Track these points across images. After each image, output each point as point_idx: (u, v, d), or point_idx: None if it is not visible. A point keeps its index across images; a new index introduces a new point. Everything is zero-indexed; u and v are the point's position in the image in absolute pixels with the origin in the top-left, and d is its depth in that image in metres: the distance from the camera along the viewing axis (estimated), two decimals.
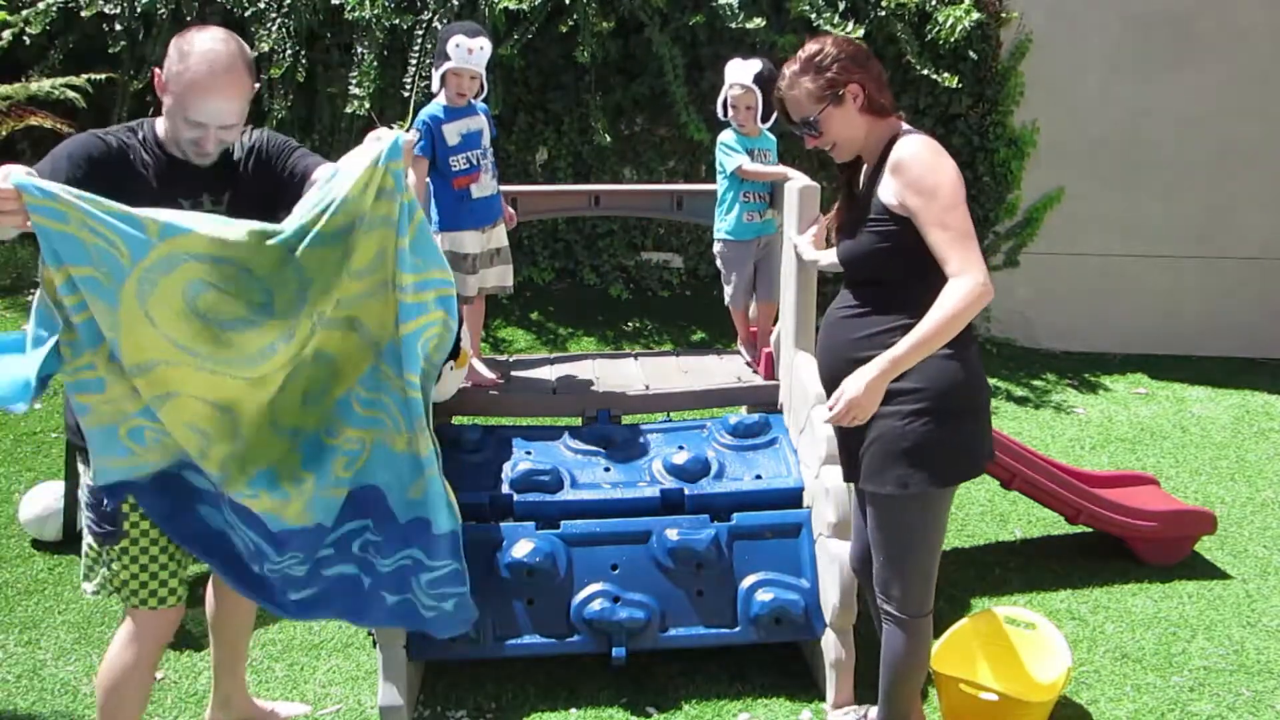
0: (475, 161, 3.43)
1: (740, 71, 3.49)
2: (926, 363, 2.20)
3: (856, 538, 2.62)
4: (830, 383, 2.35)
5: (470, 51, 3.29)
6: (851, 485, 2.54)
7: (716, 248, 3.68)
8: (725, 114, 3.58)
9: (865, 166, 2.37)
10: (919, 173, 2.18)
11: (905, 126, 2.31)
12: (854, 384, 2.18)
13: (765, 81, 3.45)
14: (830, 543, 2.80)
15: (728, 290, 3.69)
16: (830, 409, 2.23)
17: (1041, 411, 5.33)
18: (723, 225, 3.62)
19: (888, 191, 2.23)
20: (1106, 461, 4.70)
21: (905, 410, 2.24)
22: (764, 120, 3.53)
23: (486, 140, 3.47)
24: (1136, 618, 3.38)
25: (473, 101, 3.45)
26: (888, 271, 2.28)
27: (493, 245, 3.55)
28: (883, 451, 2.27)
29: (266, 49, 5.73)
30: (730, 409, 3.66)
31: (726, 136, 3.56)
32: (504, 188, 3.80)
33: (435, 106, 3.42)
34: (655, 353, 4.19)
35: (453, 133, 3.40)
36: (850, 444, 2.38)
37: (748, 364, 3.69)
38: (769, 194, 3.60)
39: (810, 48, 2.29)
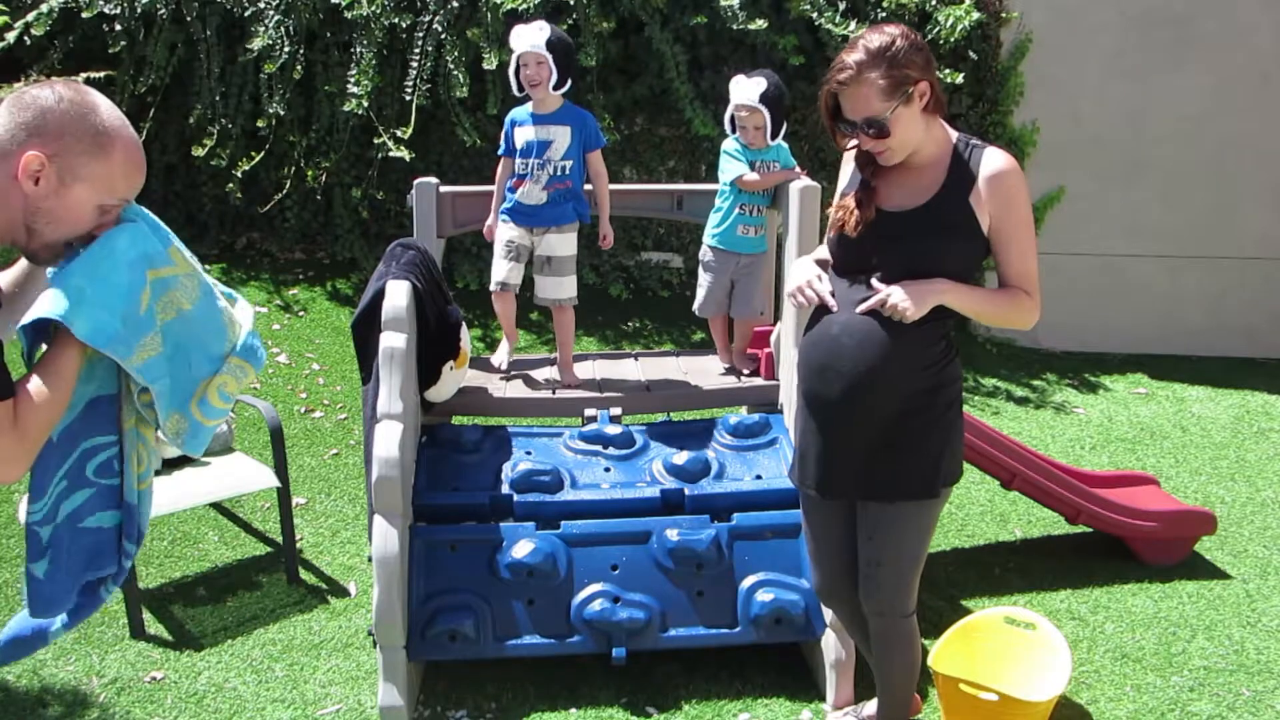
0: (528, 169, 3.48)
1: (745, 90, 3.40)
2: (949, 366, 2.23)
3: (827, 559, 2.50)
4: (826, 373, 2.24)
5: (522, 35, 3.39)
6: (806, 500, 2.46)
7: (701, 251, 3.65)
8: (732, 130, 3.52)
9: (919, 162, 2.21)
10: (1018, 193, 2.16)
11: (955, 132, 2.24)
12: (917, 289, 2.12)
13: (772, 100, 3.39)
14: None
15: (700, 295, 3.64)
16: (877, 293, 2.14)
17: (1041, 411, 5.33)
18: (714, 232, 3.57)
19: (984, 199, 2.15)
20: (1106, 461, 4.70)
21: (935, 412, 2.23)
22: (773, 137, 3.46)
23: (556, 154, 3.47)
24: (1136, 618, 3.38)
25: (574, 109, 3.53)
26: (948, 278, 2.16)
27: (541, 253, 3.57)
28: (914, 457, 2.25)
29: (264, 45, 5.74)
30: (730, 409, 3.66)
31: (729, 144, 3.51)
32: None
33: (522, 108, 3.54)
34: (655, 353, 4.18)
35: (521, 138, 3.50)
36: (854, 459, 2.29)
37: (741, 368, 3.66)
38: (766, 208, 3.56)
39: (876, 39, 2.07)
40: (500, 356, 3.71)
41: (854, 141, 2.23)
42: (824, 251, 2.45)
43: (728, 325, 3.74)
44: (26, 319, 1.64)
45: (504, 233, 3.56)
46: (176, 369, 1.79)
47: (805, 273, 2.26)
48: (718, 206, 3.58)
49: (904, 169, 2.24)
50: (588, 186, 3.62)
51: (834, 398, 2.24)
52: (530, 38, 3.38)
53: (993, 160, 2.17)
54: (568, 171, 3.48)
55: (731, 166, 3.48)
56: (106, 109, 1.66)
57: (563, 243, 3.55)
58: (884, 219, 2.21)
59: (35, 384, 1.63)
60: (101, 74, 5.88)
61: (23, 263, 1.80)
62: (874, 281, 2.16)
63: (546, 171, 3.47)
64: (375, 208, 6.20)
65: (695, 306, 3.67)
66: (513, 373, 3.70)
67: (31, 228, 1.64)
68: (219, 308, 1.86)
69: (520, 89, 3.48)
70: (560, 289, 3.60)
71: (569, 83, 3.48)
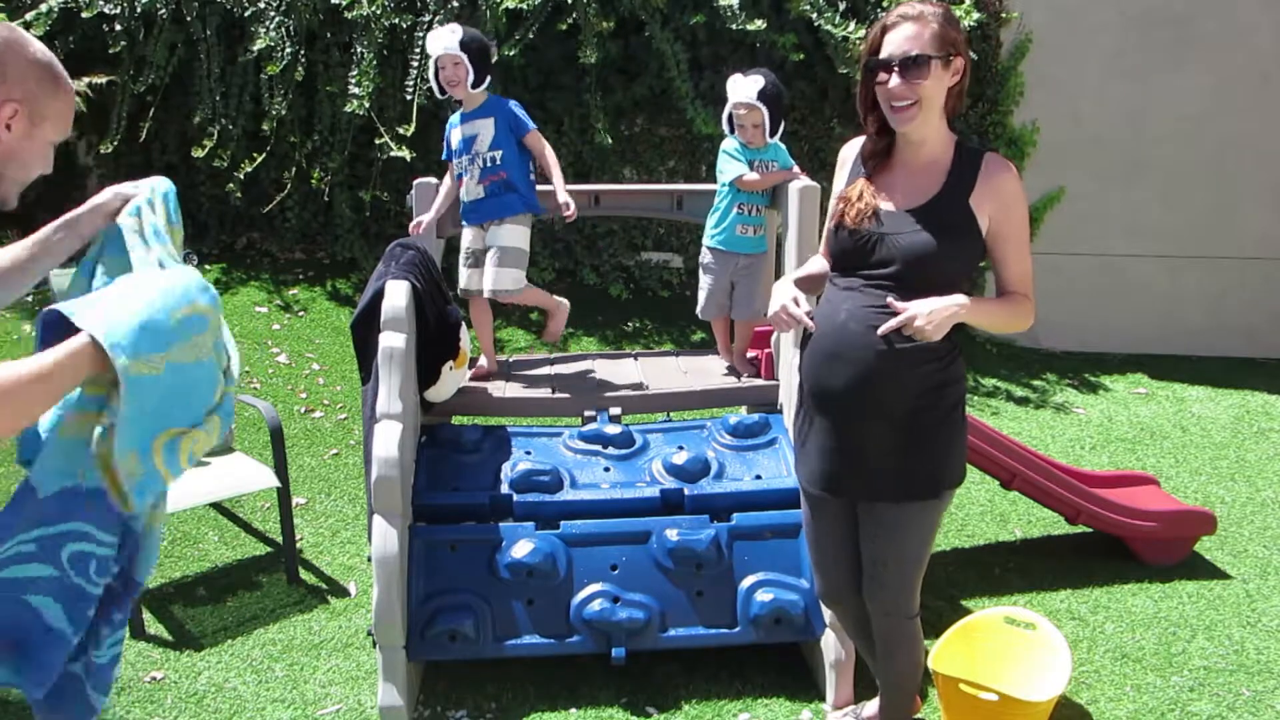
0: (463, 167, 3.56)
1: (743, 89, 3.40)
2: (955, 363, 2.25)
3: (831, 563, 2.50)
4: (834, 363, 2.23)
5: (436, 38, 3.46)
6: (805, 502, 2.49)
7: (701, 254, 3.64)
8: (731, 130, 3.52)
9: (921, 161, 2.23)
10: (1018, 197, 2.21)
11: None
12: (938, 312, 2.10)
13: (770, 98, 3.39)
14: None
15: (701, 297, 3.65)
16: (902, 315, 2.11)
17: (1041, 411, 5.33)
18: (713, 233, 3.57)
19: (984, 202, 2.18)
20: (1106, 461, 4.70)
21: (941, 411, 2.23)
22: (771, 135, 3.46)
23: (483, 146, 3.53)
24: (1136, 618, 3.38)
25: (496, 100, 3.56)
26: (947, 278, 2.18)
27: (490, 243, 3.61)
28: (920, 457, 2.25)
29: (265, 46, 5.74)
30: (730, 409, 3.66)
31: (728, 144, 3.51)
32: None
33: (457, 113, 3.61)
34: (655, 353, 4.18)
35: (455, 138, 3.58)
36: (862, 459, 2.28)
37: (741, 371, 3.65)
38: (764, 208, 3.56)
39: (940, 5, 2.17)
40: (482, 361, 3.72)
41: (864, 137, 2.27)
42: (814, 265, 2.47)
43: (729, 326, 3.74)
44: (50, 308, 1.55)
45: (464, 240, 3.65)
46: (157, 403, 1.61)
47: (783, 296, 2.28)
48: (715, 207, 3.58)
49: (906, 169, 2.25)
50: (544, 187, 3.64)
51: (841, 389, 2.23)
52: (444, 40, 3.45)
53: (993, 164, 2.21)
54: (499, 162, 3.53)
55: (730, 166, 3.48)
56: (35, 41, 1.61)
57: (510, 233, 3.58)
58: (885, 218, 2.22)
59: (26, 360, 1.47)
60: (104, 79, 5.88)
61: (25, 242, 1.75)
62: (892, 301, 2.14)
63: (477, 165, 3.54)
64: (375, 208, 6.21)
65: (698, 309, 3.68)
66: (512, 373, 3.71)
67: (2, 173, 1.61)
68: (219, 372, 1.74)
69: (442, 91, 3.55)
70: (506, 279, 3.58)
71: (488, 79, 3.55)
